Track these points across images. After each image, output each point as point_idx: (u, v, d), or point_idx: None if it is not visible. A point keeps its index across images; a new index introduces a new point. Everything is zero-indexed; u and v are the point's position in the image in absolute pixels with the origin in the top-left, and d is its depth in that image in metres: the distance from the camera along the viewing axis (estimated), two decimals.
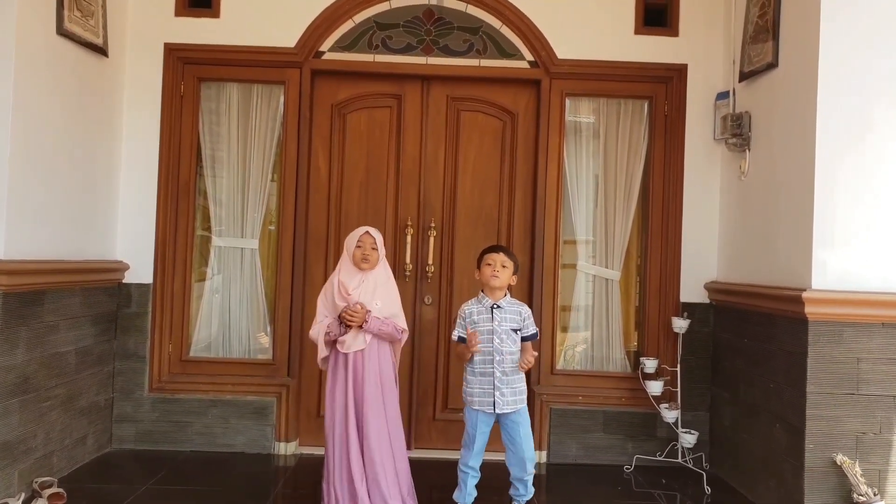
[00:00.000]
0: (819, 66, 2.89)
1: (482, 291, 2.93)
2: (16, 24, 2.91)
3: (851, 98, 2.89)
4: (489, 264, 2.88)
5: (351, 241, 2.93)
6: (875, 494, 2.76)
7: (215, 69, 3.85)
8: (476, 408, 2.86)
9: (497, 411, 2.83)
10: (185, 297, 3.86)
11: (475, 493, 2.96)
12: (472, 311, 2.90)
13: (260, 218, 3.93)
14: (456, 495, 2.97)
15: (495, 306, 2.87)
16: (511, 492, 3.01)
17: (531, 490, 2.98)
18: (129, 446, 3.78)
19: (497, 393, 2.82)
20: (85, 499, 3.07)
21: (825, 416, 2.88)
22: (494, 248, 2.97)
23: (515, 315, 2.89)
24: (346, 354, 2.87)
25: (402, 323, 2.96)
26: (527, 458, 2.88)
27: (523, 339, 2.90)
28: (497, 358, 2.83)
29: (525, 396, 2.91)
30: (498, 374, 2.82)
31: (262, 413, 3.80)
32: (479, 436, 2.89)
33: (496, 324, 2.85)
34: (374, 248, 2.90)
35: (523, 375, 2.89)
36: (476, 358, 2.84)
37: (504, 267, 2.86)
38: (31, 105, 3.03)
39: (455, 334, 2.92)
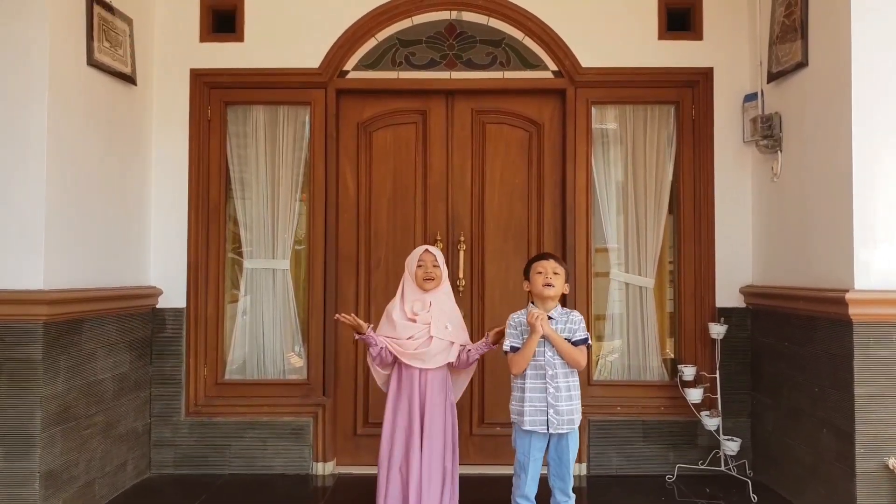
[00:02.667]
0: (852, 63, 2.85)
1: (532, 303, 2.76)
2: (49, 56, 2.96)
3: (887, 94, 2.84)
4: (540, 272, 2.70)
5: (411, 261, 2.90)
6: None
7: (241, 93, 3.89)
8: (527, 428, 2.65)
9: (551, 431, 2.64)
10: (219, 320, 3.87)
11: None
12: (523, 321, 2.70)
13: (290, 238, 3.94)
14: None
15: (548, 318, 2.69)
16: None
17: None
18: (168, 471, 3.78)
19: (551, 411, 2.62)
20: None
21: (875, 420, 2.81)
22: (543, 256, 2.79)
23: (569, 324, 2.71)
24: (411, 376, 2.82)
25: (470, 342, 2.93)
26: (569, 483, 2.73)
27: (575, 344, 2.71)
28: (549, 373, 2.64)
29: (580, 416, 2.73)
30: (551, 390, 2.63)
31: (299, 434, 3.79)
32: (533, 462, 2.68)
33: None
34: (435, 266, 2.86)
35: (579, 393, 2.72)
36: (527, 373, 2.65)
37: (556, 274, 2.69)
38: (64, 135, 3.07)
39: (507, 345, 2.72)
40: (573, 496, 2.78)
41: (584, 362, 2.71)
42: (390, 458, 2.83)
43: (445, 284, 2.93)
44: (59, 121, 3.03)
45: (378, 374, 2.95)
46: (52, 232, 2.98)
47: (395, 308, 2.88)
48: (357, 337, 2.85)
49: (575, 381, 2.70)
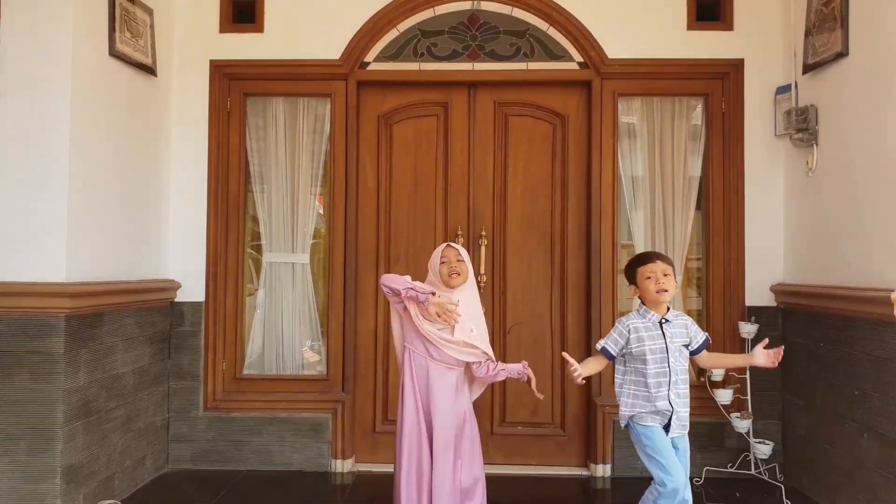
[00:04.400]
0: None
1: (642, 305, 2.57)
2: (72, 46, 2.94)
3: None
4: (649, 277, 2.50)
5: (434, 258, 2.79)
6: None
7: (261, 84, 3.84)
8: (649, 423, 2.49)
9: (670, 436, 2.48)
10: (238, 315, 3.83)
11: None
12: (637, 325, 2.51)
13: (310, 232, 3.89)
14: None
15: (664, 320, 2.51)
16: None
17: None
18: (185, 466, 3.75)
19: (674, 416, 2.47)
20: None
21: None
22: (648, 257, 2.57)
23: (682, 328, 2.55)
24: (422, 373, 2.72)
25: (491, 353, 2.79)
26: (686, 490, 2.51)
27: (694, 353, 2.58)
28: (673, 379, 2.47)
29: (688, 421, 2.57)
30: (673, 396, 2.46)
31: (318, 430, 3.74)
32: (669, 451, 2.45)
33: (669, 340, 2.49)
34: (460, 261, 2.74)
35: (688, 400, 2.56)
36: (649, 380, 2.48)
37: (666, 276, 2.49)
38: (87, 127, 3.04)
39: (602, 344, 2.57)
40: (690, 500, 2.55)
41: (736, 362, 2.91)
42: (403, 463, 2.71)
43: (472, 282, 2.82)
44: (82, 112, 3.00)
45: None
46: (73, 224, 2.95)
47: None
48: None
49: (688, 387, 2.56)
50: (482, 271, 3.78)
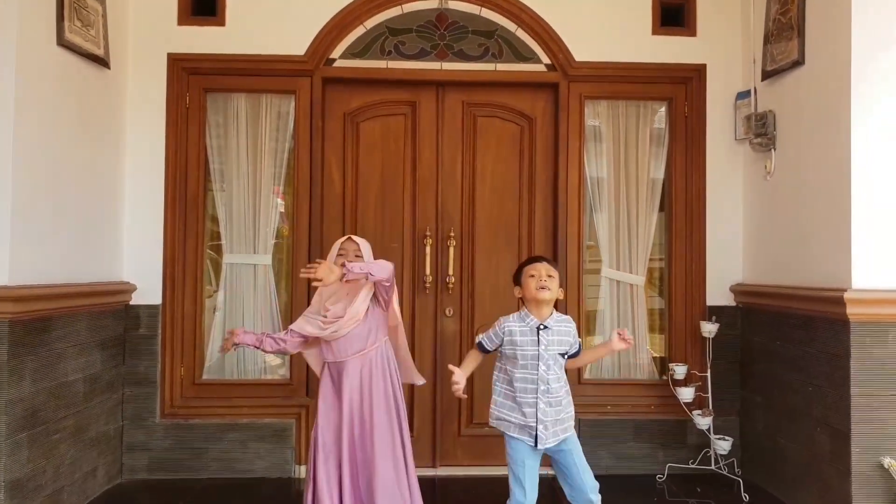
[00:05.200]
0: (852, 62, 2.84)
1: (524, 308, 2.57)
2: (16, 34, 2.76)
3: (886, 93, 2.84)
4: (533, 276, 2.51)
5: (332, 252, 2.73)
6: None
7: (222, 79, 3.71)
8: (515, 435, 2.47)
9: (539, 446, 2.44)
10: (197, 318, 3.70)
11: None
12: (513, 329, 2.49)
13: (272, 232, 3.78)
14: None
15: (542, 327, 2.48)
16: None
17: None
18: (141, 476, 3.59)
19: (540, 427, 2.42)
20: None
21: (871, 419, 2.82)
22: (536, 259, 2.64)
23: (565, 336, 2.52)
24: (338, 370, 2.69)
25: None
26: (588, 488, 2.50)
27: (571, 357, 2.58)
28: (542, 388, 2.43)
29: (572, 421, 2.56)
30: (542, 405, 2.42)
31: (282, 436, 3.64)
32: (529, 470, 2.46)
33: (542, 348, 2.45)
34: (358, 256, 2.68)
35: (570, 399, 2.54)
36: (516, 384, 2.46)
37: (550, 277, 2.50)
38: (32, 120, 2.87)
39: (479, 338, 2.59)
40: (599, 497, 2.54)
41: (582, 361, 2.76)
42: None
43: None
44: (27, 104, 2.83)
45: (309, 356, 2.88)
46: (17, 223, 2.77)
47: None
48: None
49: (565, 388, 2.53)
50: (451, 272, 3.75)
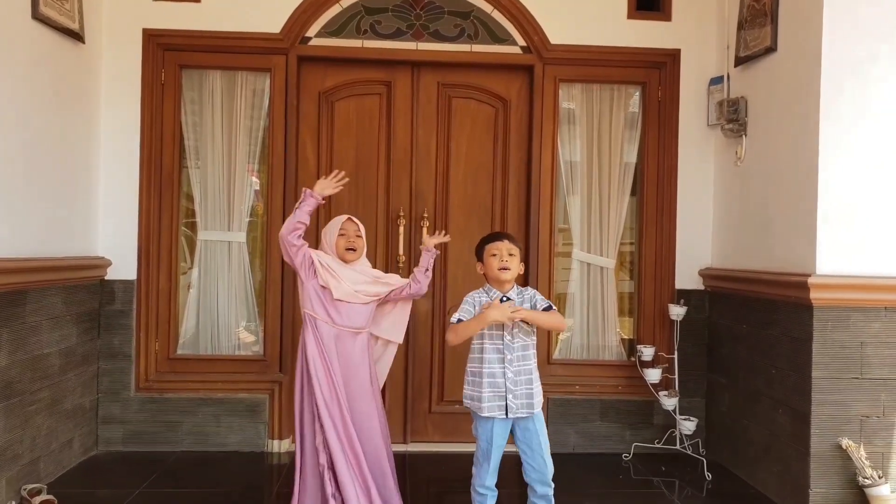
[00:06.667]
0: (822, 51, 2.87)
1: (487, 283, 2.59)
2: None
3: (854, 82, 2.87)
4: (494, 255, 2.51)
5: (331, 229, 2.72)
6: (880, 477, 2.78)
7: (197, 56, 3.71)
8: (486, 414, 2.47)
9: (510, 416, 2.47)
10: (171, 294, 3.73)
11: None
12: (479, 300, 2.54)
13: (247, 210, 3.81)
14: None
15: (505, 298, 2.52)
16: None
17: None
18: (116, 448, 3.66)
19: (509, 396, 2.45)
20: None
21: (830, 401, 2.88)
22: (497, 236, 2.62)
23: (527, 303, 2.54)
24: (336, 339, 2.69)
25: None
26: (547, 470, 2.54)
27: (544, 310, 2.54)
28: (507, 356, 2.47)
29: (541, 399, 2.56)
30: (510, 374, 2.46)
31: (255, 411, 3.71)
32: (496, 450, 2.49)
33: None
34: (358, 236, 2.71)
35: (538, 376, 2.56)
36: (484, 357, 2.49)
37: (511, 255, 2.51)
38: (5, 94, 2.87)
39: (456, 317, 2.53)
40: (552, 485, 2.58)
41: (563, 321, 2.73)
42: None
43: (364, 259, 2.79)
44: (0, 77, 2.83)
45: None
46: None
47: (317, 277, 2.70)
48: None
49: (533, 364, 2.55)
50: None
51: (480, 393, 2.49)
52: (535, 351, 2.57)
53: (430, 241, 2.85)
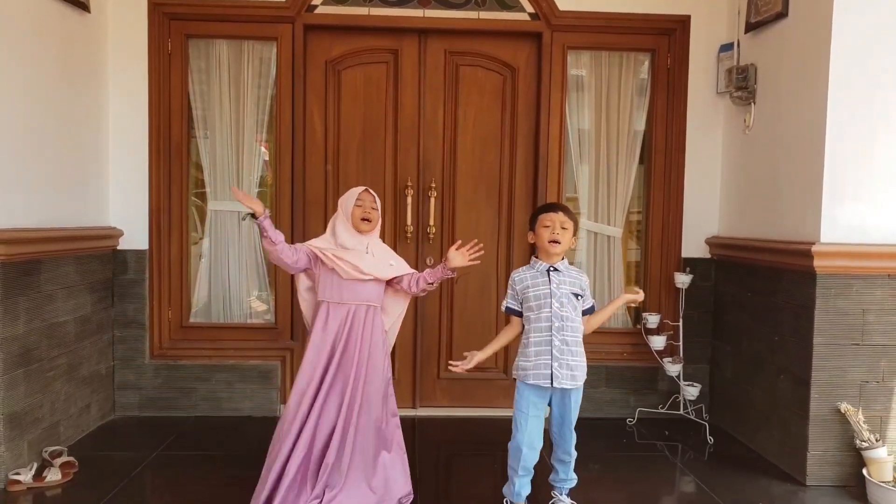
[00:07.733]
0: (833, 16, 2.83)
1: (534, 256, 2.57)
2: None
3: (865, 50, 2.84)
4: (547, 226, 2.48)
5: (348, 200, 2.73)
6: (877, 440, 2.84)
7: (203, 25, 3.69)
8: (531, 381, 2.45)
9: (555, 385, 2.43)
10: (183, 263, 3.79)
11: (529, 488, 2.59)
12: (524, 277, 2.52)
13: (255, 180, 3.83)
14: (505, 490, 2.65)
15: (552, 269, 2.49)
16: (552, 478, 2.65)
17: (574, 477, 2.63)
18: (133, 413, 3.75)
19: (555, 364, 2.41)
20: (96, 467, 3.05)
21: (830, 367, 2.93)
22: (552, 207, 2.57)
23: (577, 280, 2.52)
24: (339, 313, 2.67)
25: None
26: (571, 439, 2.55)
27: (584, 313, 2.54)
28: (556, 324, 2.42)
29: (584, 374, 2.52)
30: (557, 342, 2.42)
31: (267, 377, 3.79)
32: (533, 419, 2.47)
33: (554, 286, 2.45)
34: (374, 208, 2.73)
35: (583, 350, 2.51)
36: (532, 325, 2.46)
37: (564, 229, 2.47)
38: (13, 64, 2.88)
39: (504, 304, 2.58)
40: (575, 454, 2.60)
41: (587, 330, 2.61)
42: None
43: (377, 232, 2.78)
44: (7, 46, 2.83)
45: (302, 298, 2.79)
46: (3, 170, 2.82)
47: (328, 245, 2.67)
48: (251, 219, 2.57)
49: (579, 337, 2.51)
50: (431, 223, 3.82)
51: (527, 362, 2.48)
52: (581, 325, 2.53)
53: (455, 261, 2.64)
